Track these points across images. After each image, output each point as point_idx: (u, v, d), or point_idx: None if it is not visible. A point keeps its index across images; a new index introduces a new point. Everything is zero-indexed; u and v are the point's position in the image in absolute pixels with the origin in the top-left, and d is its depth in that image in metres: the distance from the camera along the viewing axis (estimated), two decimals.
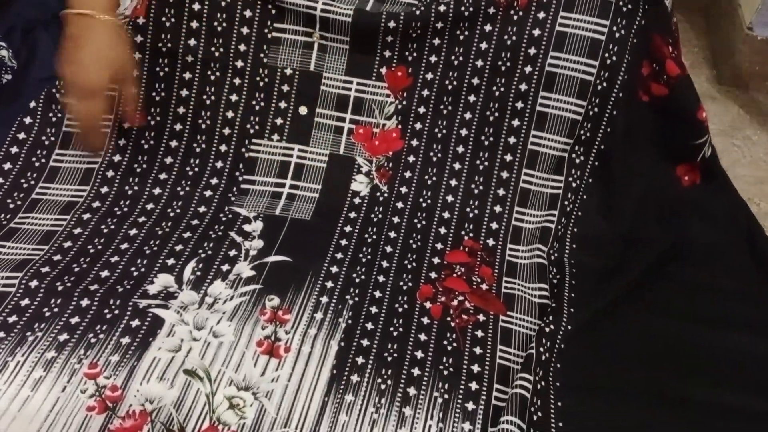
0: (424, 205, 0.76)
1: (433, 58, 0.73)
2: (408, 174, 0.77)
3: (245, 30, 0.73)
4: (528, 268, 0.73)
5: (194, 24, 0.73)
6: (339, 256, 0.71)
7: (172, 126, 0.75)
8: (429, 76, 0.74)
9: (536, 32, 0.71)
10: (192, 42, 0.73)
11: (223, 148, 0.77)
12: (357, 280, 0.69)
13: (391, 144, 0.78)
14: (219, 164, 0.77)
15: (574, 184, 0.75)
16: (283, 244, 0.71)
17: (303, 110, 0.77)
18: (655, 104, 0.72)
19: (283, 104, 0.77)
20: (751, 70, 1.03)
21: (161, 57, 0.73)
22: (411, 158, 0.78)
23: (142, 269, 0.66)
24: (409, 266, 0.71)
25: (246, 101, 0.76)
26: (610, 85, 0.71)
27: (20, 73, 0.75)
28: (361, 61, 0.74)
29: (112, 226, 0.70)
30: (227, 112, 0.76)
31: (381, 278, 0.70)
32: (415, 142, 0.77)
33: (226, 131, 0.77)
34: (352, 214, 0.75)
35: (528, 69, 0.72)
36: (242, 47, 0.74)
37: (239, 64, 0.75)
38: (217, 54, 0.74)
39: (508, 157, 0.76)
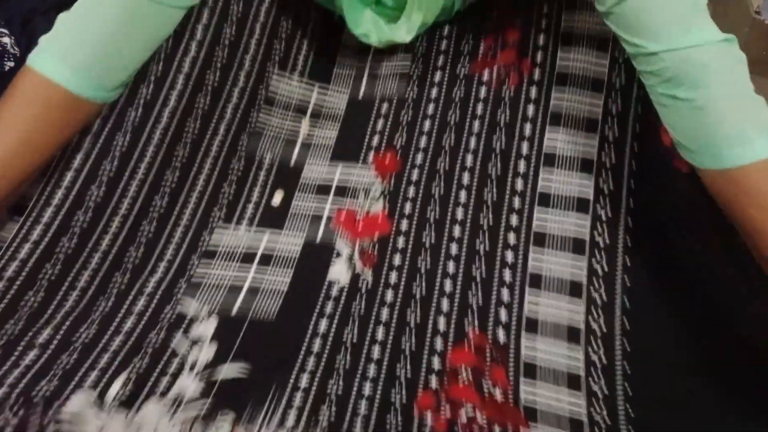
0: (418, 296, 0.62)
1: (423, 143, 0.69)
2: (397, 260, 0.64)
3: (228, 114, 0.68)
4: (552, 370, 0.57)
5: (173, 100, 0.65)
6: (310, 363, 0.57)
7: (117, 204, 0.63)
8: (419, 160, 0.68)
9: (530, 111, 0.67)
10: (165, 117, 0.64)
11: (177, 235, 0.65)
12: (333, 396, 0.54)
13: (378, 227, 0.67)
14: (169, 252, 0.64)
15: (599, 269, 0.62)
16: (241, 350, 0.57)
17: (277, 198, 0.69)
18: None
19: (256, 192, 0.69)
20: (758, 55, 0.99)
21: (123, 128, 0.63)
22: (401, 242, 0.66)
23: (55, 382, 0.52)
24: (402, 374, 0.56)
25: (213, 188, 0.67)
26: (619, 160, 0.64)
27: (22, 61, 0.69)
28: (348, 148, 0.70)
29: (21, 324, 0.56)
30: (190, 196, 0.66)
31: (366, 389, 0.55)
32: (404, 226, 0.66)
33: (184, 218, 0.66)
34: (328, 308, 0.62)
35: (525, 148, 0.66)
36: (221, 132, 0.68)
37: (214, 149, 0.67)
38: (188, 140, 0.66)
39: (512, 240, 0.64)
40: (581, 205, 0.64)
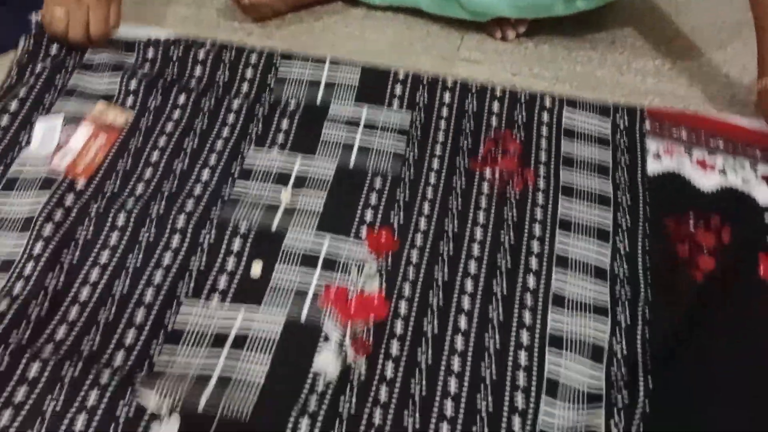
0: (417, 397, 0.54)
1: (423, 225, 0.65)
2: (395, 350, 0.56)
3: (197, 190, 0.66)
4: None
5: (139, 188, 0.66)
6: None
7: (76, 293, 0.58)
8: (419, 242, 0.64)
9: (538, 215, 0.67)
10: (129, 203, 0.64)
11: (138, 317, 0.57)
12: None
13: (373, 310, 0.59)
14: (129, 338, 0.56)
15: (620, 381, 0.56)
16: None
17: (256, 269, 0.61)
18: (712, 280, 0.62)
19: (231, 263, 0.61)
20: None
21: (87, 218, 0.63)
22: (399, 329, 0.58)
23: None
24: None
25: (181, 262, 0.60)
26: (632, 269, 0.63)
27: None
28: (338, 219, 0.65)
29: None
30: (154, 274, 0.59)
31: None
32: (403, 310, 0.59)
33: (147, 297, 0.58)
34: (312, 407, 0.53)
35: (535, 248, 0.64)
36: (189, 206, 0.65)
37: (180, 223, 0.63)
38: (154, 214, 0.63)
39: (525, 338, 0.58)
40: (598, 310, 0.60)
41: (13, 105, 0.72)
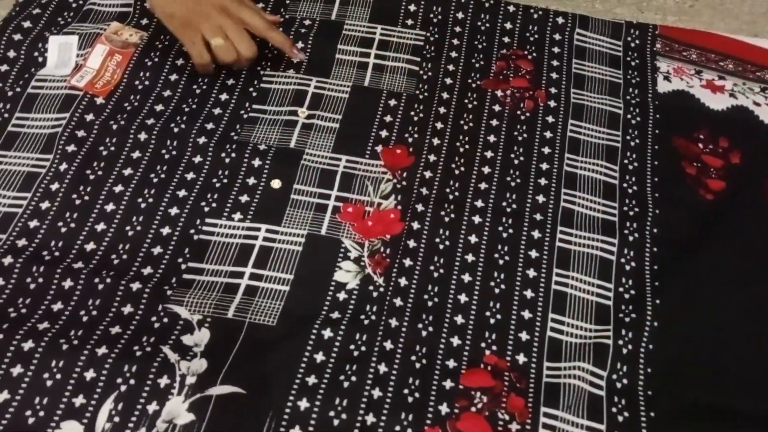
0: (430, 303, 0.57)
1: (436, 141, 0.67)
2: (408, 262, 0.59)
3: (217, 111, 0.67)
4: (575, 397, 0.53)
5: (159, 107, 0.67)
6: (311, 380, 0.52)
7: (102, 207, 0.60)
8: (432, 158, 0.66)
9: (548, 134, 0.69)
10: (149, 121, 0.65)
11: (165, 230, 0.59)
12: (336, 421, 0.50)
13: (389, 226, 0.62)
14: (157, 250, 0.58)
15: (627, 295, 0.59)
16: (235, 365, 0.52)
17: (276, 183, 0.63)
18: (719, 201, 0.65)
19: (251, 180, 0.63)
20: None
21: (108, 136, 0.64)
22: (412, 243, 0.60)
23: (41, 413, 0.47)
24: (411, 396, 0.52)
25: (204, 179, 0.62)
26: (641, 186, 0.66)
27: None
28: (353, 138, 0.66)
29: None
30: (178, 191, 0.61)
31: (370, 418, 0.50)
32: (416, 225, 0.62)
33: (173, 211, 0.60)
34: (335, 314, 0.56)
35: (545, 166, 0.66)
36: (209, 125, 0.66)
37: (201, 140, 0.65)
38: (176, 130, 0.65)
39: (533, 254, 0.61)
40: (607, 227, 0.62)
41: (27, 23, 0.71)
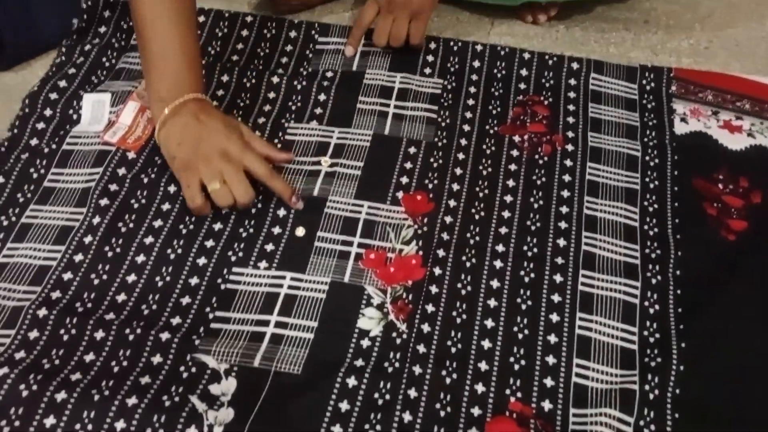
0: (453, 350, 0.58)
1: (456, 186, 0.68)
2: (431, 308, 0.60)
3: None
4: None
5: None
6: (337, 430, 0.53)
7: (133, 258, 0.62)
8: (452, 203, 0.67)
9: (566, 178, 0.69)
10: (172, 189, 0.67)
11: (194, 280, 0.61)
12: None
13: (411, 272, 0.62)
14: (185, 300, 0.59)
15: (651, 339, 0.59)
16: (261, 414, 0.53)
17: (300, 231, 0.64)
18: (741, 242, 0.65)
19: (276, 229, 0.64)
20: None
21: (140, 189, 0.67)
22: (434, 289, 0.61)
23: None
24: None
25: (231, 229, 0.64)
26: (662, 228, 0.66)
27: None
28: (374, 186, 0.68)
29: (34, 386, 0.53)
30: (206, 241, 0.63)
31: None
32: (438, 271, 0.62)
33: (201, 261, 0.62)
34: (359, 362, 0.57)
35: (564, 209, 0.67)
36: None
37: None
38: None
39: (556, 298, 0.61)
40: (629, 270, 0.63)
41: (63, 83, 0.75)
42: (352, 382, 0.55)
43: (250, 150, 0.63)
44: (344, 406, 0.54)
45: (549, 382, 0.56)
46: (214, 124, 0.62)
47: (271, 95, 0.75)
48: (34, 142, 0.70)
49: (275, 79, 0.76)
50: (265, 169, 0.63)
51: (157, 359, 0.55)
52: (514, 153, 0.71)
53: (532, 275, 0.62)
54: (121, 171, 0.67)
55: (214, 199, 0.62)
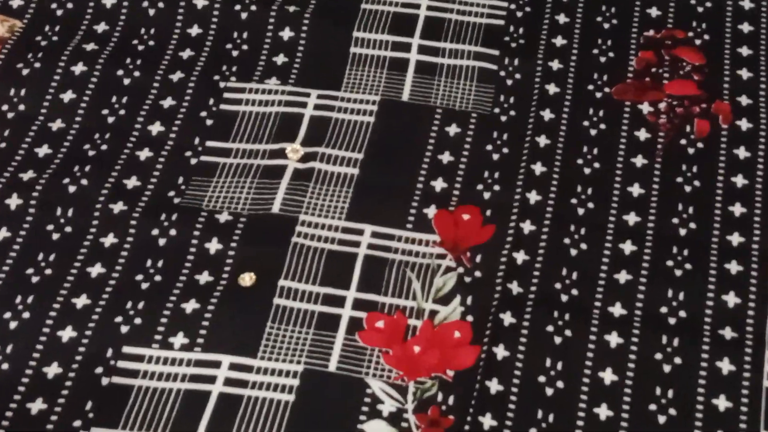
0: None
1: (535, 197, 0.52)
2: (490, 421, 0.43)
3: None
4: None
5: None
6: None
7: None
8: (528, 227, 0.51)
9: (739, 180, 0.54)
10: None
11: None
12: None
13: (454, 354, 0.45)
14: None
15: None
16: None
17: (247, 279, 0.47)
18: None
19: (204, 276, 0.48)
20: None
21: None
22: (495, 385, 0.44)
23: None
24: None
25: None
26: None
27: None
28: (383, 195, 0.51)
29: None
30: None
31: None
32: (503, 352, 0.46)
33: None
34: None
35: (736, 239, 0.49)
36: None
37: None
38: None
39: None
40: None
41: None
42: None
43: None
44: None
45: None
46: None
47: (194, 30, 0.57)
48: None
49: (201, 1, 0.59)
50: None
51: None
52: (642, 135, 0.53)
53: (677, 360, 0.45)
54: None
55: None
